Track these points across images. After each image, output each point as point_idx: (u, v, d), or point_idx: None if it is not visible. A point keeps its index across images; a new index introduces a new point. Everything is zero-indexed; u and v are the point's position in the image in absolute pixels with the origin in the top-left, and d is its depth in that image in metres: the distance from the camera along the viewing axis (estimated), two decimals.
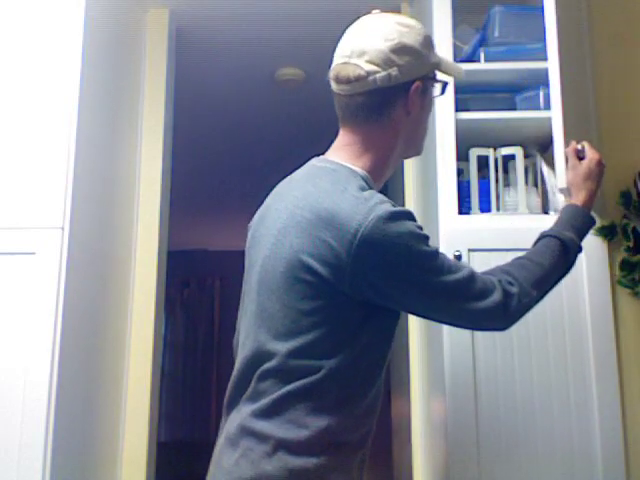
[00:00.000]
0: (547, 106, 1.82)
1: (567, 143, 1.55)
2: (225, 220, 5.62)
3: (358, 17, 1.27)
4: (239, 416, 1.15)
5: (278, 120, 3.46)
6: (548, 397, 1.69)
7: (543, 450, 1.67)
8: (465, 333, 1.70)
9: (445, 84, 1.29)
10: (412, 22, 1.24)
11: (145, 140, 2.36)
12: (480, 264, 1.40)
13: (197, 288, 6.38)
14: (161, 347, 2.40)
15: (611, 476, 1.65)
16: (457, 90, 1.81)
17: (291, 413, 1.10)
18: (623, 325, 1.82)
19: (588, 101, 1.95)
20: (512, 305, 1.17)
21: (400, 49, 1.19)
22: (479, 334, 1.70)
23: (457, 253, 1.72)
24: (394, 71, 1.18)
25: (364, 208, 1.08)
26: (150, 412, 2.16)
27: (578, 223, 1.35)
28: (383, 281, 1.10)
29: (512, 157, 1.85)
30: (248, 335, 1.20)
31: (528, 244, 1.34)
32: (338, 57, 1.23)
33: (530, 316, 1.23)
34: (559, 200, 1.76)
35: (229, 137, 3.73)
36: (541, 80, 1.82)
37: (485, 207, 1.84)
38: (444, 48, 1.79)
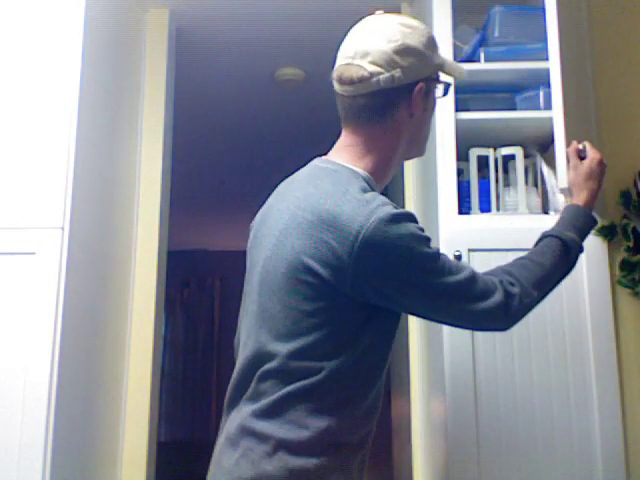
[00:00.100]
0: (547, 106, 1.82)
1: (568, 143, 1.55)
2: (225, 220, 5.63)
3: (358, 17, 1.27)
4: (239, 416, 1.15)
5: (278, 120, 3.46)
6: (548, 397, 1.69)
7: (543, 450, 1.67)
8: (465, 333, 1.70)
9: (448, 85, 1.29)
10: (416, 23, 1.24)
11: (145, 140, 2.36)
12: (480, 264, 1.40)
13: (197, 288, 6.38)
14: (161, 347, 2.40)
15: (611, 476, 1.65)
16: (457, 90, 1.81)
17: (291, 414, 1.10)
18: (623, 325, 1.82)
19: (588, 101, 1.95)
20: (513, 305, 1.17)
21: (403, 50, 1.18)
22: (479, 334, 1.70)
23: (457, 253, 1.72)
24: (397, 72, 1.18)
25: (366, 210, 1.08)
26: (150, 412, 2.16)
27: (579, 223, 1.35)
28: (384, 283, 1.10)
29: (512, 157, 1.86)
30: (249, 336, 1.20)
31: (528, 244, 1.34)
32: (341, 58, 1.23)
33: (530, 316, 1.23)
34: (559, 200, 1.76)
35: (229, 137, 3.73)
36: (541, 80, 1.82)
37: (485, 207, 1.84)
38: (444, 48, 1.79)
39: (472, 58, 1.91)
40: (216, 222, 5.77)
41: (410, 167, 2.34)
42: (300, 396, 1.11)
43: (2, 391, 1.64)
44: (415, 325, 2.22)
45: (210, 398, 6.02)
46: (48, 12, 1.84)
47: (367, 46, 1.19)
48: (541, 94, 1.85)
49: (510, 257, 1.29)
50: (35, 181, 1.74)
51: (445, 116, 1.80)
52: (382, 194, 1.18)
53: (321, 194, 1.13)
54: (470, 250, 1.75)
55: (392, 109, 1.21)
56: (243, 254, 1.36)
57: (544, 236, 1.32)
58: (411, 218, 1.12)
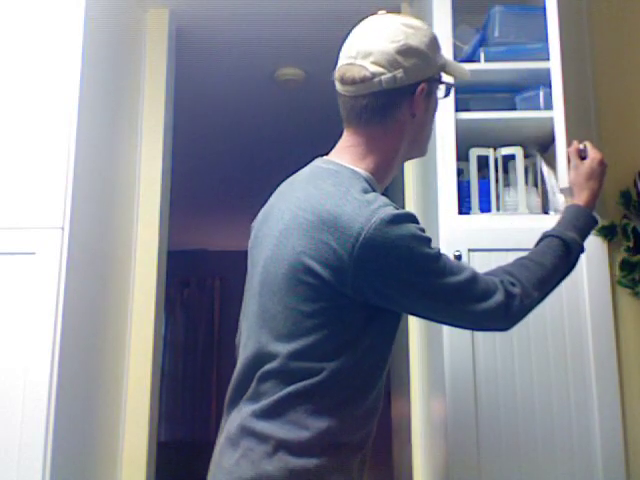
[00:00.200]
0: (547, 106, 1.82)
1: (569, 143, 1.55)
2: (225, 220, 5.63)
3: (358, 17, 1.27)
4: (239, 416, 1.15)
5: (278, 120, 3.46)
6: (548, 397, 1.69)
7: (543, 450, 1.67)
8: (465, 333, 1.70)
9: (450, 86, 1.29)
10: (418, 23, 1.23)
11: (145, 140, 2.36)
12: (480, 264, 1.40)
13: (197, 288, 6.38)
14: (161, 347, 2.40)
15: (611, 476, 1.65)
16: (457, 90, 1.80)
17: (292, 414, 1.10)
18: (623, 325, 1.82)
19: (588, 101, 1.95)
20: (514, 305, 1.17)
21: (406, 51, 1.18)
22: (479, 334, 1.70)
23: (457, 253, 1.72)
24: (400, 73, 1.18)
25: (366, 211, 1.08)
26: (150, 412, 2.16)
27: (580, 223, 1.35)
28: (385, 283, 1.10)
29: (512, 157, 1.85)
30: (250, 336, 1.20)
31: (528, 244, 1.34)
32: (343, 58, 1.22)
33: (530, 316, 1.23)
34: (559, 200, 1.76)
35: (229, 137, 3.74)
36: (541, 80, 1.82)
37: (485, 207, 1.84)
38: (444, 48, 1.78)
39: (472, 58, 1.91)
40: (216, 222, 5.77)
41: (410, 167, 2.34)
42: (300, 397, 1.11)
43: (2, 391, 1.64)
44: (415, 325, 2.22)
45: (210, 398, 6.03)
46: (48, 12, 1.84)
47: (369, 46, 1.18)
48: (541, 94, 1.85)
49: (510, 257, 1.29)
50: (35, 181, 1.74)
51: (445, 116, 1.80)
52: (383, 194, 1.18)
53: (322, 194, 1.13)
54: (470, 250, 1.75)
55: (394, 109, 1.21)
56: (243, 254, 1.36)
57: (545, 236, 1.32)
58: (412, 219, 1.12)
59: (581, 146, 1.50)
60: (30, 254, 1.70)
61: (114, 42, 2.13)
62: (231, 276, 6.11)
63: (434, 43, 1.24)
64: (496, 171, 1.85)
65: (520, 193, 1.82)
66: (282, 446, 1.08)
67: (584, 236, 1.35)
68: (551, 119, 1.72)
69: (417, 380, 2.18)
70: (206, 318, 6.31)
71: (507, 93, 1.92)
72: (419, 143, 1.29)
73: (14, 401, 1.63)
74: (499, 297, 1.15)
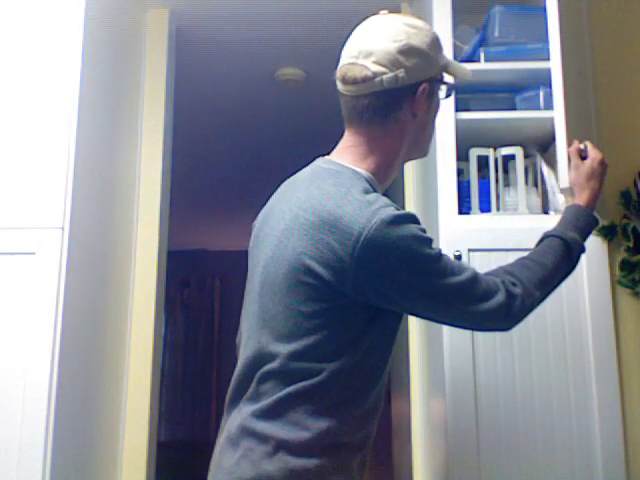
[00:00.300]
0: (547, 106, 1.82)
1: (569, 143, 1.55)
2: (225, 220, 5.63)
3: (359, 17, 1.27)
4: (240, 416, 1.15)
5: (278, 120, 3.46)
6: (548, 397, 1.69)
7: (543, 450, 1.67)
8: (465, 333, 1.70)
9: (451, 87, 1.29)
10: (420, 23, 1.23)
11: (145, 140, 2.36)
12: (480, 264, 1.41)
13: (197, 288, 6.38)
14: (161, 347, 2.40)
15: (611, 476, 1.65)
16: (457, 90, 1.80)
17: (292, 414, 1.10)
18: (623, 325, 1.82)
19: (588, 101, 1.95)
20: (515, 306, 1.17)
21: (408, 50, 1.18)
22: (479, 334, 1.70)
23: (457, 253, 1.72)
24: (401, 72, 1.17)
25: (367, 211, 1.08)
26: (150, 412, 2.16)
27: (581, 223, 1.35)
28: (386, 284, 1.10)
29: (512, 157, 1.85)
30: (250, 336, 1.20)
31: (528, 244, 1.34)
32: (345, 57, 1.22)
33: (530, 316, 1.23)
34: (559, 200, 1.76)
35: (229, 137, 3.74)
36: (541, 80, 1.82)
37: (485, 207, 1.84)
38: (444, 48, 1.79)
39: (472, 58, 1.91)
40: (216, 222, 5.78)
41: (410, 167, 2.34)
42: (300, 397, 1.11)
43: (2, 391, 1.64)
44: (415, 325, 2.22)
45: (210, 398, 6.03)
46: (48, 12, 1.84)
47: (371, 46, 1.18)
48: (541, 94, 1.85)
49: (510, 257, 1.29)
50: (35, 181, 1.74)
51: (445, 116, 1.80)
52: (383, 195, 1.17)
53: (323, 195, 1.13)
54: (470, 250, 1.75)
55: (395, 109, 1.20)
56: (243, 254, 1.36)
57: (545, 236, 1.32)
58: (413, 219, 1.12)
59: (582, 146, 1.50)
60: (30, 254, 1.70)
61: (114, 42, 2.13)
62: (231, 276, 6.11)
63: (436, 43, 1.24)
64: (496, 171, 1.85)
65: (520, 193, 1.82)
66: (282, 446, 1.08)
67: (585, 236, 1.35)
68: (551, 119, 1.72)
69: (417, 380, 2.18)
70: (206, 318, 6.31)
71: (507, 93, 1.92)
72: (420, 144, 1.29)
73: (14, 401, 1.63)
74: (500, 297, 1.15)
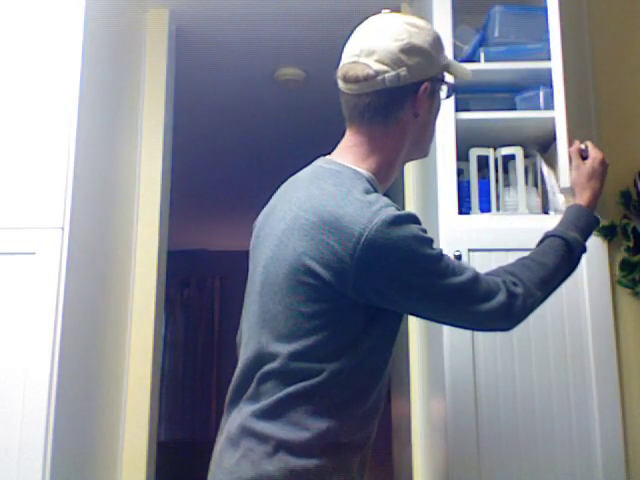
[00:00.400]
0: (547, 106, 1.82)
1: (570, 143, 1.55)
2: (225, 220, 5.63)
3: (358, 17, 1.27)
4: (240, 416, 1.15)
5: (278, 120, 3.46)
6: (548, 397, 1.69)
7: (543, 450, 1.67)
8: (465, 333, 1.70)
9: (452, 87, 1.29)
10: (422, 23, 1.23)
11: (145, 140, 2.36)
12: (480, 264, 1.41)
13: (197, 288, 6.38)
14: (161, 347, 2.40)
15: (611, 476, 1.65)
16: (457, 90, 1.81)
17: (292, 415, 1.10)
18: (623, 325, 1.82)
19: (588, 101, 1.95)
20: (517, 306, 1.17)
21: (409, 49, 1.18)
22: (479, 334, 1.70)
23: (457, 253, 1.72)
24: (403, 71, 1.17)
25: (368, 212, 1.08)
26: (150, 412, 2.16)
27: (582, 223, 1.35)
28: (387, 284, 1.10)
29: (512, 157, 1.85)
30: (250, 336, 1.20)
31: (528, 244, 1.34)
32: (347, 56, 1.22)
33: (530, 316, 1.23)
34: (559, 200, 1.76)
35: (229, 137, 3.74)
36: (541, 80, 1.82)
37: (485, 207, 1.84)
38: (445, 48, 1.79)
39: (472, 58, 1.91)
40: (216, 222, 5.78)
41: (410, 167, 2.34)
42: (301, 397, 1.11)
43: (2, 391, 1.64)
44: (415, 325, 2.22)
45: (210, 398, 6.03)
46: (48, 12, 1.84)
47: (373, 44, 1.18)
48: (541, 94, 1.85)
49: (510, 257, 1.29)
50: (35, 181, 1.74)
51: (445, 116, 1.79)
52: (384, 195, 1.17)
53: (324, 195, 1.13)
54: (470, 250, 1.75)
55: (397, 109, 1.20)
56: (243, 254, 1.36)
57: (547, 236, 1.32)
58: (414, 220, 1.12)
59: (582, 146, 1.50)
60: (30, 254, 1.70)
61: (114, 42, 2.13)
62: (231, 276, 6.11)
63: (437, 43, 1.24)
64: (496, 171, 1.85)
65: (520, 193, 1.82)
66: (282, 446, 1.08)
67: (586, 236, 1.35)
68: (551, 119, 1.72)
69: (417, 380, 2.18)
70: (206, 318, 6.31)
71: (507, 93, 1.91)
72: (421, 144, 1.29)
73: (14, 401, 1.63)
74: (501, 297, 1.15)
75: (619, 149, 1.89)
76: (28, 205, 1.73)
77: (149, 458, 2.15)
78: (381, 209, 1.09)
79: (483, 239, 1.77)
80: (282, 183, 1.31)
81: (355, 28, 1.25)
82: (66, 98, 1.79)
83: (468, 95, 1.88)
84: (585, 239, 1.34)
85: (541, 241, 1.32)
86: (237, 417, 1.16)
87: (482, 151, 1.86)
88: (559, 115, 1.64)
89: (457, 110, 1.82)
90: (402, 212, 1.11)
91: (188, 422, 5.98)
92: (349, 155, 1.22)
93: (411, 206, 2.30)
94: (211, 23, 2.56)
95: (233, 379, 1.22)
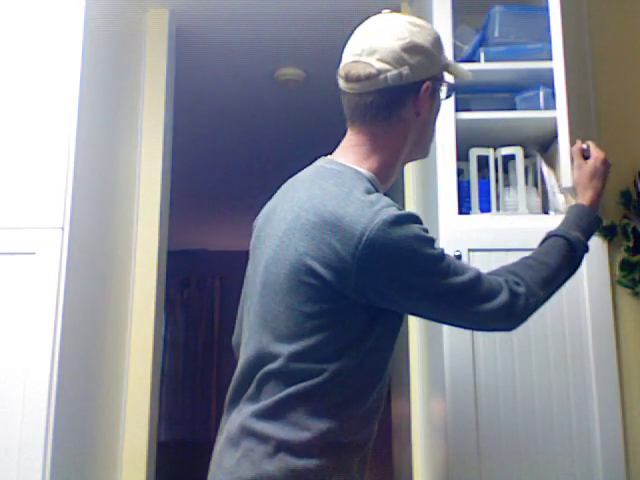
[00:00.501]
0: (547, 106, 1.82)
1: (572, 142, 1.55)
2: (225, 220, 5.63)
3: (359, 17, 1.27)
4: (240, 417, 1.15)
5: (278, 120, 3.46)
6: (548, 397, 1.69)
7: (543, 450, 1.67)
8: (465, 333, 1.70)
9: (452, 87, 1.29)
10: (423, 22, 1.24)
11: (145, 140, 2.36)
12: (480, 264, 1.40)
13: (197, 288, 6.39)
14: (161, 347, 2.40)
15: (611, 476, 1.65)
16: (457, 90, 1.80)
17: (292, 415, 1.10)
18: (623, 325, 1.82)
19: (588, 101, 1.95)
20: (519, 305, 1.17)
21: (412, 48, 1.18)
22: (479, 334, 1.70)
23: (457, 253, 1.72)
24: (405, 70, 1.18)
25: (369, 212, 1.08)
26: (150, 412, 2.16)
27: (584, 223, 1.35)
28: (388, 285, 1.10)
29: (512, 157, 1.85)
30: (251, 336, 1.20)
31: (528, 244, 1.34)
32: (348, 55, 1.22)
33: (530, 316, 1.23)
34: (559, 200, 1.76)
35: (229, 137, 3.74)
36: (541, 80, 1.82)
37: (485, 207, 1.84)
38: (445, 48, 1.79)
39: (472, 58, 1.91)
40: (216, 222, 5.78)
41: (410, 167, 2.34)
42: (301, 397, 1.11)
43: (2, 391, 1.64)
44: (415, 325, 2.22)
45: (210, 398, 6.03)
46: (48, 12, 1.84)
47: (375, 44, 1.18)
48: (541, 94, 1.85)
49: (510, 257, 1.29)
50: (35, 181, 1.74)
51: (445, 116, 1.79)
52: (385, 195, 1.17)
53: (325, 195, 1.13)
54: (470, 250, 1.75)
55: (399, 107, 1.20)
56: (243, 254, 1.35)
57: (549, 236, 1.32)
58: (415, 219, 1.12)
59: (584, 145, 1.50)
60: (30, 254, 1.70)
61: (114, 42, 2.13)
62: (231, 276, 6.11)
63: (438, 42, 1.24)
64: (496, 171, 1.85)
65: (520, 193, 1.82)
66: (283, 447, 1.08)
67: (588, 235, 1.35)
68: (551, 119, 1.72)
69: (417, 380, 2.18)
70: (206, 318, 6.31)
71: (507, 93, 1.91)
72: (422, 143, 1.29)
73: (14, 401, 1.63)
74: (504, 297, 1.15)
75: (619, 149, 1.89)
76: (28, 205, 1.73)
77: (149, 458, 2.15)
78: (382, 209, 1.08)
79: (483, 239, 1.77)
80: (282, 183, 1.31)
81: (355, 28, 1.26)
82: (66, 98, 1.79)
83: (468, 95, 1.87)
84: (587, 239, 1.34)
85: (543, 241, 1.32)
86: (237, 417, 1.16)
87: (482, 151, 1.86)
88: (561, 115, 1.64)
89: (457, 110, 1.82)
90: (403, 212, 1.10)
91: (188, 422, 5.98)
92: (350, 155, 1.22)
93: (411, 206, 2.30)
94: (211, 23, 2.56)
95: (233, 379, 1.22)
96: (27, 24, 1.83)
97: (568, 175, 1.55)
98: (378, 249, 1.06)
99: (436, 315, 1.21)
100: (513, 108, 1.90)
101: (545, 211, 1.84)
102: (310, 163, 1.27)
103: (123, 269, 2.21)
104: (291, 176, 1.30)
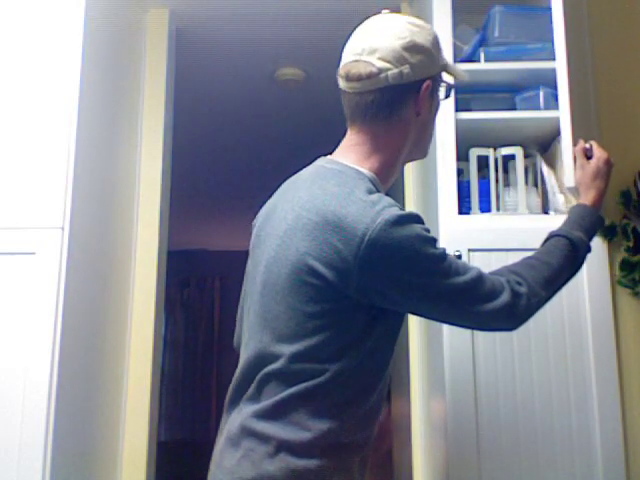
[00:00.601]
0: (547, 106, 1.82)
1: (575, 142, 1.55)
2: (225, 220, 5.63)
3: (358, 17, 1.27)
4: (240, 417, 1.15)
5: (278, 120, 3.46)
6: (548, 397, 1.69)
7: (543, 450, 1.67)
8: (465, 333, 1.70)
9: (450, 87, 1.29)
10: (422, 23, 1.25)
11: (145, 140, 2.36)
12: (480, 264, 1.40)
13: (197, 288, 6.39)
14: (161, 347, 2.40)
15: (611, 476, 1.65)
16: (457, 90, 1.80)
17: (293, 415, 1.10)
18: (623, 325, 1.82)
19: (588, 101, 1.95)
20: (521, 305, 1.17)
21: (412, 47, 1.19)
22: (479, 334, 1.70)
23: (457, 253, 1.72)
24: (406, 69, 1.18)
25: (371, 212, 1.08)
26: (150, 412, 2.16)
27: (586, 223, 1.35)
28: (390, 285, 1.10)
29: (512, 157, 1.85)
30: (251, 336, 1.20)
31: (528, 244, 1.34)
32: (348, 55, 1.22)
33: None
34: (559, 200, 1.76)
35: (229, 137, 3.74)
36: (541, 80, 1.82)
37: (485, 207, 1.84)
38: (444, 48, 1.79)
39: (472, 58, 1.91)
40: (216, 222, 5.78)
41: (410, 167, 2.34)
42: (302, 398, 1.11)
43: (2, 391, 1.63)
44: (415, 325, 2.22)
45: (210, 398, 6.03)
46: (48, 12, 1.84)
47: (375, 43, 1.19)
48: (541, 94, 1.85)
49: (510, 257, 1.29)
50: (35, 181, 1.74)
51: (445, 116, 1.79)
52: (385, 194, 1.17)
53: (326, 195, 1.13)
54: (470, 250, 1.75)
55: (400, 106, 1.21)
56: (243, 254, 1.35)
57: (551, 236, 1.32)
58: (417, 219, 1.12)
59: (587, 145, 1.50)
60: (30, 254, 1.70)
61: (114, 42, 2.12)
62: (231, 276, 6.11)
63: (437, 43, 1.25)
64: (496, 171, 1.85)
65: (520, 193, 1.82)
66: (284, 447, 1.08)
67: (591, 235, 1.35)
68: (551, 119, 1.72)
69: (417, 380, 2.18)
70: (206, 318, 6.31)
71: (507, 93, 1.92)
72: (422, 143, 1.29)
73: (14, 401, 1.63)
74: (505, 297, 1.15)
75: (619, 149, 1.88)
76: (28, 205, 1.73)
77: (149, 458, 2.15)
78: (384, 209, 1.09)
79: (483, 239, 1.77)
80: (282, 183, 1.31)
81: (355, 28, 1.26)
82: (66, 98, 1.79)
83: (468, 95, 1.88)
84: (590, 239, 1.34)
85: (545, 241, 1.32)
86: (237, 417, 1.16)
87: (482, 151, 1.86)
88: (564, 114, 1.64)
89: (457, 110, 1.82)
90: (405, 212, 1.11)
91: (188, 422, 5.98)
92: (351, 154, 1.22)
93: (411, 206, 2.30)
94: (211, 23, 2.56)
95: (233, 379, 1.22)
96: (27, 24, 1.83)
97: (571, 175, 1.54)
98: (380, 249, 1.06)
99: (438, 315, 1.21)
100: (513, 108, 1.90)
101: (545, 211, 1.84)
102: (310, 163, 1.27)
103: (123, 269, 2.21)
104: (291, 176, 1.30)
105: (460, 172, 1.87)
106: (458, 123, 1.81)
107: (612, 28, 2.01)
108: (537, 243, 1.34)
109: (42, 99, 1.79)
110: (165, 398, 5.87)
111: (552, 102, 1.80)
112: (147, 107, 2.37)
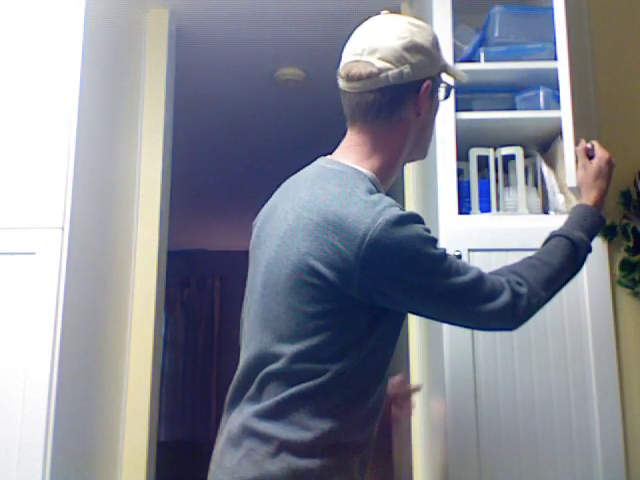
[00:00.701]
0: (547, 106, 1.82)
1: (576, 142, 1.55)
2: (225, 220, 5.63)
3: (358, 17, 1.27)
4: (241, 417, 1.15)
5: (278, 120, 3.46)
6: (548, 397, 1.69)
7: (543, 450, 1.67)
8: (465, 333, 1.70)
9: (450, 87, 1.29)
10: (422, 23, 1.25)
11: (145, 140, 2.36)
12: (480, 264, 1.40)
13: (197, 288, 6.39)
14: (161, 347, 2.40)
15: (611, 476, 1.65)
16: (457, 90, 1.80)
17: (294, 415, 1.10)
18: (623, 325, 1.82)
19: (588, 101, 1.95)
20: (521, 305, 1.17)
21: (412, 47, 1.19)
22: (479, 333, 1.70)
23: (457, 253, 1.72)
24: (406, 68, 1.18)
25: (372, 212, 1.08)
26: (150, 412, 2.16)
27: (588, 223, 1.35)
28: (391, 285, 1.10)
29: (512, 157, 1.85)
30: (252, 336, 1.20)
31: (528, 244, 1.34)
32: (349, 55, 1.22)
33: None
34: (559, 200, 1.76)
35: (229, 137, 3.74)
36: (541, 80, 1.82)
37: (485, 207, 1.84)
38: (444, 48, 1.79)
39: (472, 58, 1.91)
40: (216, 222, 5.78)
41: (410, 167, 2.34)
42: (303, 398, 1.11)
43: (2, 391, 1.63)
44: (415, 325, 2.22)
45: (210, 398, 6.03)
46: (48, 12, 1.84)
47: (376, 43, 1.19)
48: (541, 94, 1.85)
49: (510, 257, 1.29)
50: (35, 181, 1.74)
51: (445, 116, 1.79)
52: (386, 195, 1.18)
53: (327, 195, 1.13)
54: (470, 250, 1.75)
55: (400, 106, 1.21)
56: (243, 254, 1.35)
57: (552, 236, 1.32)
58: (417, 220, 1.12)
59: (589, 145, 1.50)
60: (30, 254, 1.70)
61: (114, 42, 2.13)
62: (231, 276, 6.11)
63: (437, 43, 1.26)
64: (496, 171, 1.85)
65: (520, 193, 1.82)
66: (285, 447, 1.08)
67: (592, 236, 1.34)
68: (551, 119, 1.73)
69: (417, 380, 2.18)
70: (206, 318, 6.31)
71: (507, 93, 1.92)
72: (422, 143, 1.29)
73: (14, 401, 1.63)
74: (506, 297, 1.15)
75: (619, 149, 1.88)
76: (28, 205, 1.73)
77: (149, 458, 2.15)
78: (385, 209, 1.09)
79: (483, 239, 1.77)
80: (282, 183, 1.31)
81: (355, 28, 1.26)
82: (66, 98, 1.79)
83: (468, 95, 1.87)
84: (591, 239, 1.34)
85: (546, 241, 1.32)
86: (238, 417, 1.16)
87: (482, 151, 1.86)
88: (565, 114, 1.63)
89: (457, 110, 1.82)
90: (406, 212, 1.11)
91: (188, 422, 5.98)
92: (351, 154, 1.22)
93: (411, 206, 2.30)
94: (211, 23, 2.56)
95: (234, 379, 1.22)
96: (27, 24, 1.83)
97: (572, 175, 1.54)
98: (381, 249, 1.07)
99: (438, 315, 1.21)
100: (513, 108, 1.90)
101: (545, 211, 1.84)
102: (310, 163, 1.27)
103: (123, 269, 2.21)
104: (291, 175, 1.30)
105: (460, 172, 1.87)
106: (458, 123, 1.81)
107: (612, 28, 2.01)
108: (537, 243, 1.34)
109: (42, 99, 1.79)
110: (165, 398, 5.87)
111: (552, 102, 1.80)
112: (147, 107, 2.37)
